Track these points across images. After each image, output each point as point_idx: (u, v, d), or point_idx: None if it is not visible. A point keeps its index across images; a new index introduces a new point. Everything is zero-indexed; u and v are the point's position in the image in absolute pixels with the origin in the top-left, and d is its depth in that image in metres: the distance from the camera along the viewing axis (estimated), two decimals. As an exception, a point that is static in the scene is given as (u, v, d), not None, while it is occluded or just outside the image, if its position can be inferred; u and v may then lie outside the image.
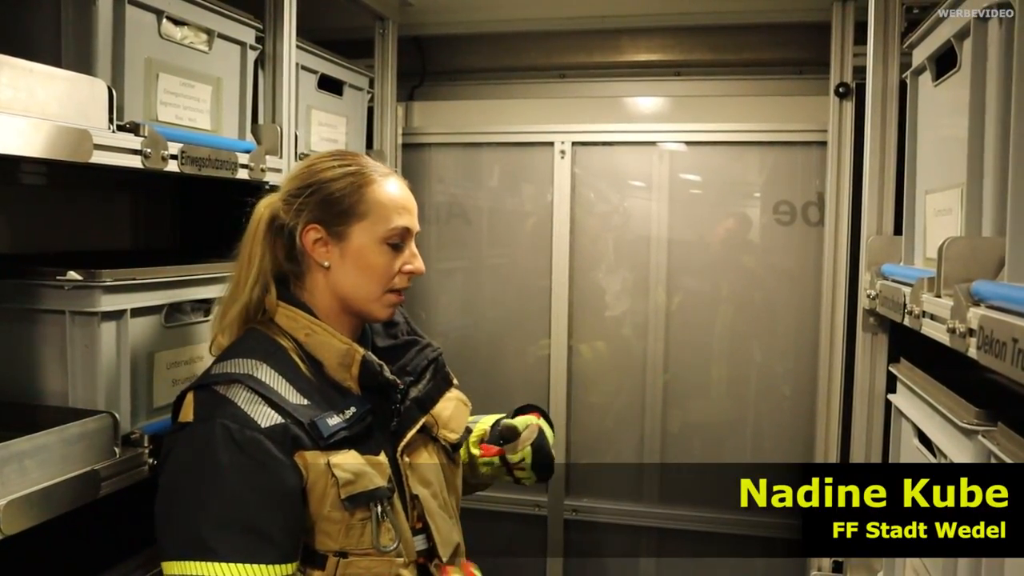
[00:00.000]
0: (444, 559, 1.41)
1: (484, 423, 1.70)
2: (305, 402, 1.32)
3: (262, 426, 1.26)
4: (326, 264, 1.41)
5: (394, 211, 1.42)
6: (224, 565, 1.19)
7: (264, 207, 1.43)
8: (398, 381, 1.44)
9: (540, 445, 1.63)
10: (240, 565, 1.20)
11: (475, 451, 1.67)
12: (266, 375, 1.32)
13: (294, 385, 1.33)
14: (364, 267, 1.41)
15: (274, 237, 1.42)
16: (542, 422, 1.67)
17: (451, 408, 1.56)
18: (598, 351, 2.82)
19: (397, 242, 1.42)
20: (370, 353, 1.42)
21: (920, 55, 1.56)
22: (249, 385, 1.29)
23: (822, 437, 2.44)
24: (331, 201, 1.40)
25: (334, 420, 1.32)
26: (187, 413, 1.30)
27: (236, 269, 1.44)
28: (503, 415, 1.71)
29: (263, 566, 1.21)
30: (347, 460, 1.31)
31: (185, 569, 1.19)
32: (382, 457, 1.37)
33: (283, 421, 1.27)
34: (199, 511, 1.21)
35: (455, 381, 1.62)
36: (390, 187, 1.44)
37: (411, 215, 1.45)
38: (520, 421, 1.67)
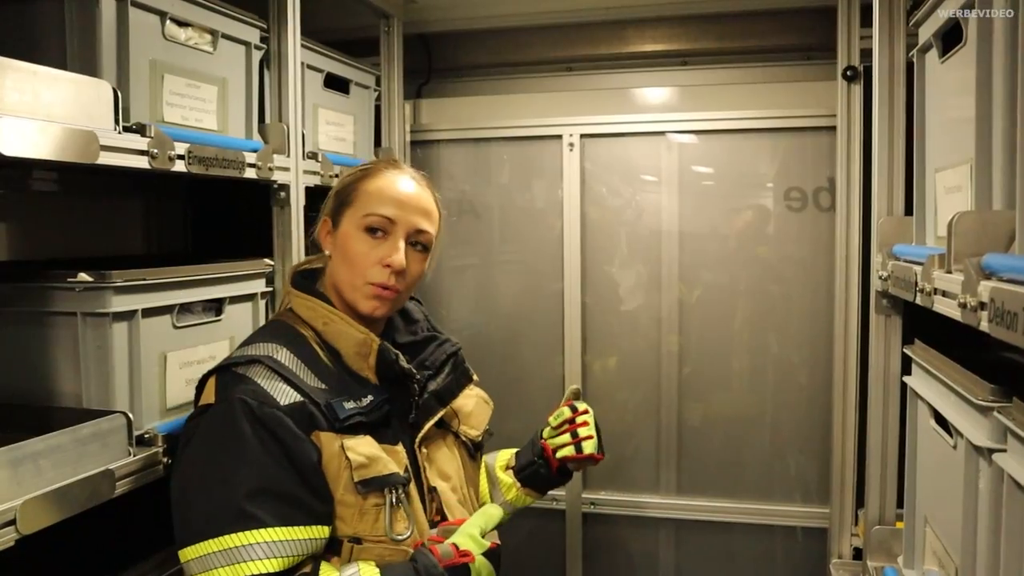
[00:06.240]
0: None
1: (505, 454, 1.77)
2: (322, 386, 1.33)
3: (281, 403, 1.26)
4: (328, 252, 1.47)
5: (377, 199, 1.42)
6: (268, 530, 1.18)
7: None
8: (414, 371, 1.46)
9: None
10: (282, 528, 1.19)
11: (504, 476, 1.72)
12: (285, 357, 1.34)
13: (312, 370, 1.35)
14: (344, 253, 1.42)
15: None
16: None
17: (472, 404, 1.58)
18: (613, 345, 2.81)
19: (376, 228, 1.41)
20: (386, 343, 1.43)
21: (926, 32, 1.54)
22: (268, 365, 1.31)
23: (839, 422, 2.42)
24: (336, 194, 1.48)
25: (350, 405, 1.33)
26: (209, 395, 1.31)
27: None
28: (517, 448, 1.78)
29: (301, 527, 1.21)
30: (361, 445, 1.31)
31: (227, 543, 1.17)
32: (399, 447, 1.38)
33: (301, 399, 1.28)
34: (233, 485, 1.20)
35: (475, 377, 1.63)
36: (386, 178, 1.44)
37: (399, 208, 1.42)
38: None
